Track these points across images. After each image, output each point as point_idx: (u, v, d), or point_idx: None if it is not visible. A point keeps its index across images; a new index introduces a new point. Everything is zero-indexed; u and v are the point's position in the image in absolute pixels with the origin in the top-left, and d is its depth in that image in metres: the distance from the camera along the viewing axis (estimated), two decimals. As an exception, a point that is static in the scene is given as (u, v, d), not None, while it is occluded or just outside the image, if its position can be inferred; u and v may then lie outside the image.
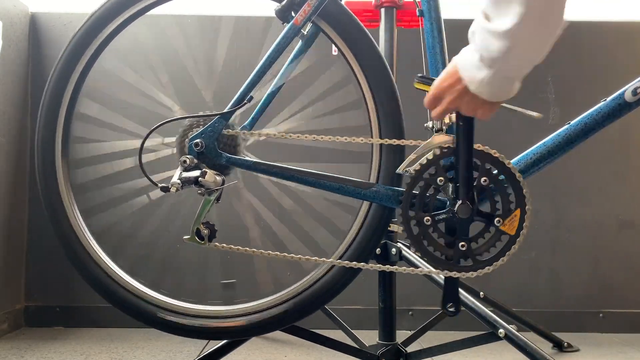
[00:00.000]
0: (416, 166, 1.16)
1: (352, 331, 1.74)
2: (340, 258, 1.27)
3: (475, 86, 0.99)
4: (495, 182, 1.14)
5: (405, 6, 1.71)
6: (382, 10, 1.68)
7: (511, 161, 1.16)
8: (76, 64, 1.36)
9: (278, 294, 1.31)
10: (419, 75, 1.16)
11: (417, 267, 1.38)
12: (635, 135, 2.25)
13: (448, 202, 1.18)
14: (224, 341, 1.46)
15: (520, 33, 0.89)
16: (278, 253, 1.26)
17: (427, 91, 1.11)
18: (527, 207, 1.14)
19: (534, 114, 1.14)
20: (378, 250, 1.52)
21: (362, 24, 1.28)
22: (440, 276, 1.48)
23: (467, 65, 0.99)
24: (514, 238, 1.15)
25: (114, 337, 2.03)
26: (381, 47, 1.64)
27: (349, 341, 1.64)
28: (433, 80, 1.08)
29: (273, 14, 1.30)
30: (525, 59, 0.95)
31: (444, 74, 1.06)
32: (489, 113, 1.04)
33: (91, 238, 1.38)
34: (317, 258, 1.25)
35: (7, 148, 2.05)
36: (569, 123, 1.18)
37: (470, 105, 1.03)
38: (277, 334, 1.97)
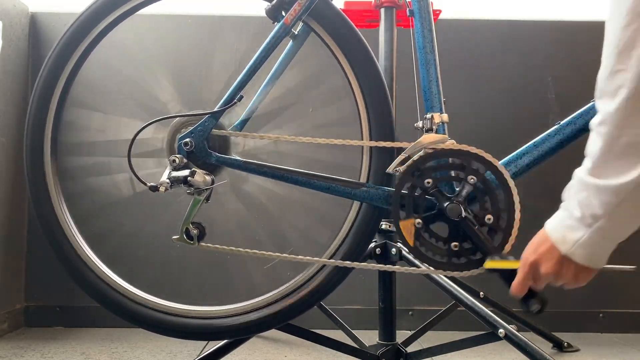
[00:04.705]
0: (404, 167, 1.16)
1: (352, 331, 1.74)
2: (331, 258, 1.27)
3: (567, 247, 0.90)
4: (484, 183, 1.14)
5: (405, 6, 1.70)
6: (382, 10, 1.67)
7: (501, 161, 1.16)
8: (65, 63, 1.35)
9: (273, 292, 1.32)
10: (492, 255, 1.10)
11: (417, 267, 1.37)
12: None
13: (437, 203, 1.17)
14: (224, 341, 1.46)
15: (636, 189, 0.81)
16: (271, 253, 1.26)
17: (504, 269, 1.06)
18: (515, 205, 1.12)
19: (628, 268, 1.08)
20: (378, 250, 1.51)
21: (353, 24, 1.28)
22: (439, 276, 1.48)
23: (559, 226, 0.92)
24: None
25: (114, 337, 2.03)
26: (381, 47, 1.63)
27: (348, 341, 1.64)
28: (509, 257, 1.04)
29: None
30: (633, 217, 0.86)
31: (532, 244, 0.96)
32: (586, 280, 0.95)
33: (84, 242, 1.40)
34: (309, 258, 1.25)
35: (7, 147, 2.06)
36: (559, 123, 1.17)
37: (569, 273, 0.93)
38: (277, 334, 1.97)
